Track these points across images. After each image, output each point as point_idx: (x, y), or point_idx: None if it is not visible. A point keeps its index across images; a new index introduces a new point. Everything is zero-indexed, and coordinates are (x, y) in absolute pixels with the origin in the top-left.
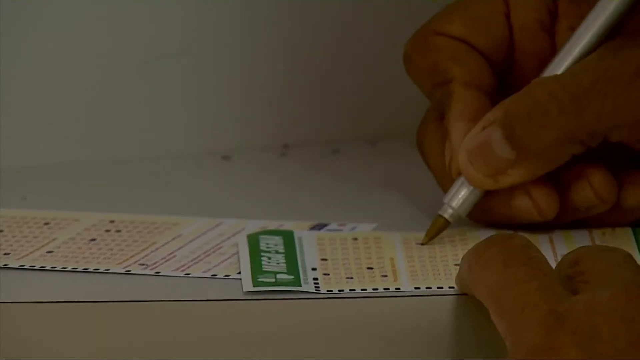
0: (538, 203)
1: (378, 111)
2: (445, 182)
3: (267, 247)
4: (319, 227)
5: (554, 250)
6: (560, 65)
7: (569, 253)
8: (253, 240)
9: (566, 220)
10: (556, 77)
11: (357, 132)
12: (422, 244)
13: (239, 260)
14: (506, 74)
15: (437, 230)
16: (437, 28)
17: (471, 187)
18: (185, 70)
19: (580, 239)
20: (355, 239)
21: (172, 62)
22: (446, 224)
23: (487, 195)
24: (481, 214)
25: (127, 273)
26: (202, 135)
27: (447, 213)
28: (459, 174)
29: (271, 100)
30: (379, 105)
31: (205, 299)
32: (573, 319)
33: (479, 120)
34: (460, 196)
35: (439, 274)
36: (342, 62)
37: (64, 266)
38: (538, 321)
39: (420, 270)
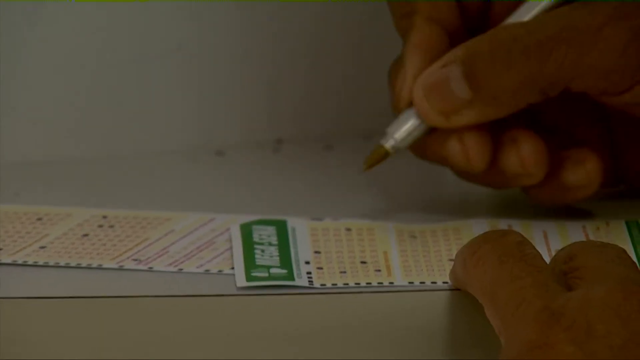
0: (468, 149)
1: (371, 107)
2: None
3: (261, 239)
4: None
5: (547, 245)
6: (527, 13)
7: (563, 248)
8: (246, 231)
9: (498, 183)
10: (522, 22)
11: (350, 127)
12: (363, 171)
13: (232, 255)
14: (479, 23)
15: (376, 159)
16: None
17: (417, 121)
18: (179, 66)
19: (575, 234)
20: (349, 229)
21: (166, 59)
22: (386, 153)
23: (427, 133)
24: (419, 149)
25: (120, 268)
26: (196, 131)
27: (389, 144)
28: (409, 105)
29: (265, 96)
30: (373, 101)
31: (199, 294)
32: (568, 315)
33: (435, 55)
34: (404, 129)
35: (433, 269)
36: (336, 58)
37: (57, 262)
38: (533, 317)
39: (414, 265)
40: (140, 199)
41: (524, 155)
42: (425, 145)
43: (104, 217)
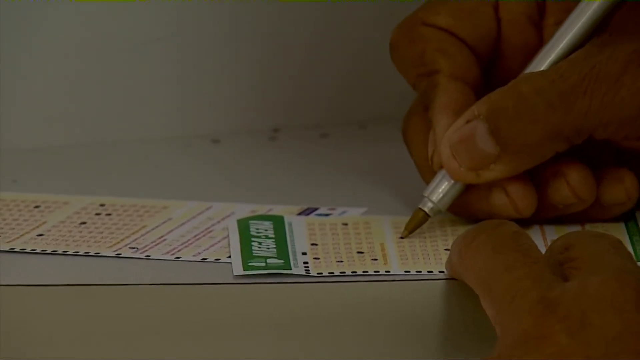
0: (515, 200)
1: (368, 95)
2: (428, 175)
3: (258, 232)
4: (309, 211)
5: (543, 236)
6: (544, 60)
7: (559, 238)
8: (243, 226)
9: (544, 217)
10: (543, 72)
11: (346, 115)
12: (402, 237)
13: (229, 245)
14: (492, 68)
15: (416, 223)
16: (424, 18)
17: (452, 181)
18: (176, 54)
19: (571, 226)
20: (345, 224)
21: (163, 46)
22: (426, 217)
23: (466, 190)
24: (460, 208)
25: (118, 256)
26: (192, 119)
27: (427, 207)
28: (441, 167)
29: (261, 85)
30: (369, 89)
31: (196, 282)
32: (564, 305)
33: (462, 113)
34: (440, 190)
35: (429, 259)
36: (332, 46)
37: (55, 249)
38: (528, 308)
39: (411, 254)
40: (138, 187)
41: (575, 185)
42: (467, 203)
43: (102, 205)
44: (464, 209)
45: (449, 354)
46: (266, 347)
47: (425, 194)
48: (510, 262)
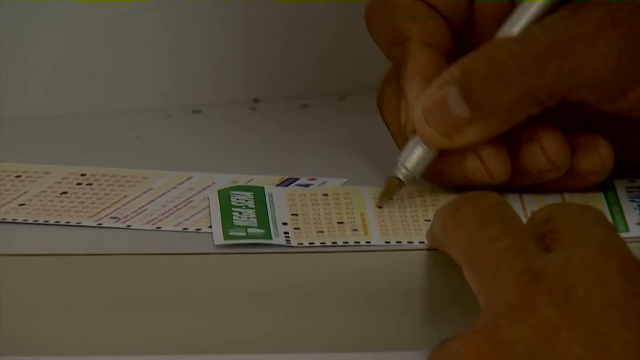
0: (488, 165)
1: (347, 66)
2: (403, 143)
3: (238, 202)
4: (289, 181)
5: (523, 206)
6: (515, 24)
7: (540, 210)
8: (224, 196)
9: (519, 184)
10: (516, 37)
11: (326, 87)
12: (379, 207)
13: (209, 215)
14: (464, 35)
15: (391, 191)
16: None
17: (425, 148)
18: (156, 24)
19: (550, 195)
20: (326, 194)
21: (143, 17)
22: (400, 184)
23: (440, 157)
24: (434, 175)
25: (99, 226)
26: (173, 89)
27: (401, 173)
28: (414, 133)
29: (241, 55)
30: (348, 61)
31: (177, 252)
32: (548, 277)
33: (434, 79)
34: (414, 156)
35: (409, 229)
36: (312, 18)
37: (36, 219)
38: (512, 280)
39: (391, 225)
40: (118, 157)
41: (550, 151)
42: (441, 170)
43: (83, 175)
44: (438, 175)
45: (430, 324)
46: (247, 317)
47: (399, 161)
48: (494, 234)
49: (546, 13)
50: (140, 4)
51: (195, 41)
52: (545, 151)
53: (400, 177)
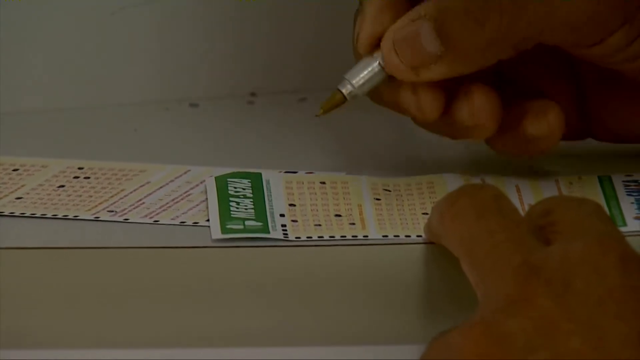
0: (420, 100)
1: (345, 59)
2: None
3: (236, 192)
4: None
5: (521, 199)
6: None
7: (539, 203)
8: (221, 184)
9: (454, 134)
10: None
11: (324, 80)
12: (317, 116)
13: (207, 207)
14: None
15: (333, 104)
16: None
17: (376, 70)
18: (153, 18)
19: (547, 188)
20: (323, 182)
21: (142, 10)
22: (343, 100)
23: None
24: (375, 95)
25: (96, 220)
26: (170, 82)
27: (346, 89)
28: (369, 52)
29: (238, 48)
30: (346, 53)
31: (174, 245)
32: (546, 269)
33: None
34: (362, 75)
35: (407, 223)
36: (309, 10)
37: (33, 212)
38: (511, 272)
39: (388, 218)
40: (116, 150)
41: (476, 108)
42: (380, 92)
43: (80, 168)
44: (377, 96)
45: (428, 318)
46: (244, 310)
47: (346, 77)
48: (492, 226)
49: None
50: None
51: (192, 35)
52: (472, 106)
53: (344, 92)
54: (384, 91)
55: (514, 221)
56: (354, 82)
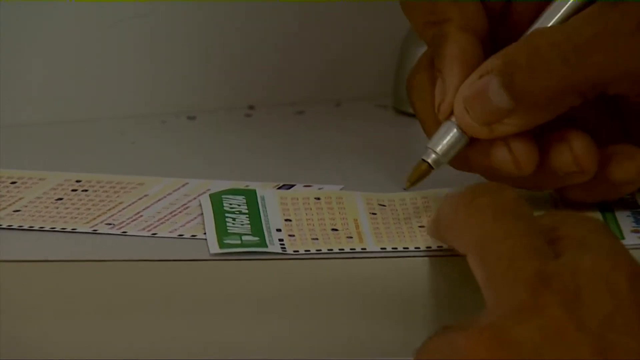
0: (516, 156)
1: (343, 72)
2: (431, 128)
3: (231, 208)
4: (285, 188)
5: None
6: (553, 15)
7: (543, 216)
8: (216, 200)
9: (545, 184)
10: (557, 27)
11: (322, 93)
12: (405, 189)
13: (204, 221)
14: (500, 23)
15: (420, 175)
16: None
17: (457, 134)
18: (151, 31)
19: (545, 203)
20: (318, 198)
21: (139, 22)
22: (429, 169)
23: (469, 144)
24: (461, 162)
25: (94, 232)
26: (168, 95)
27: (431, 158)
28: (447, 119)
29: (236, 61)
30: (344, 66)
31: (172, 259)
32: (559, 279)
33: (472, 65)
34: (445, 142)
35: (404, 235)
36: (308, 23)
37: (31, 225)
38: (524, 279)
39: (385, 231)
40: (114, 163)
41: (578, 153)
42: (467, 157)
43: (78, 181)
44: (465, 163)
45: (427, 331)
46: (243, 323)
47: (429, 146)
48: (508, 229)
49: (583, 5)
50: (136, 10)
51: (190, 47)
52: (574, 153)
53: (430, 161)
54: (471, 155)
55: (531, 227)
56: (437, 150)
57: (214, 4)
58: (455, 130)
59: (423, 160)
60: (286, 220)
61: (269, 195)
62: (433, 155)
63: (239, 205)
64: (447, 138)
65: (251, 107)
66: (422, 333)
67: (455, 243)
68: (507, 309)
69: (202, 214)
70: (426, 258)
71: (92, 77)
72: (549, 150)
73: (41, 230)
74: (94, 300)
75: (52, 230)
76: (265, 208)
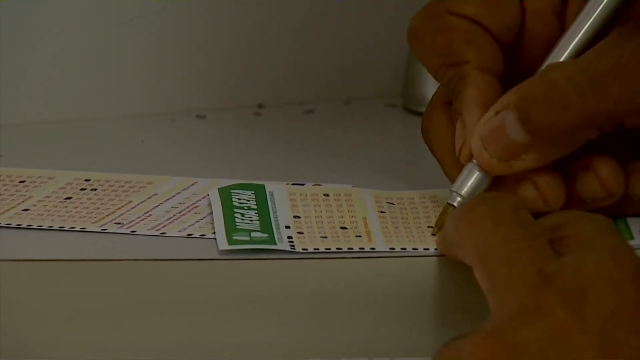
0: (544, 193)
1: (351, 71)
2: (452, 170)
3: (240, 203)
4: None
5: None
6: (564, 49)
7: (547, 217)
8: (225, 195)
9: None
10: (572, 61)
11: (331, 92)
12: (433, 234)
13: (212, 218)
14: (512, 59)
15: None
16: (449, 7)
17: (481, 175)
18: (161, 29)
19: None
20: (327, 194)
21: (148, 22)
22: None
23: (494, 183)
24: None
25: (103, 232)
26: (177, 94)
27: (457, 202)
28: (469, 160)
29: (246, 60)
30: (353, 65)
31: (181, 258)
32: (561, 280)
33: (491, 105)
34: (469, 184)
35: (413, 236)
36: (316, 22)
37: (40, 224)
38: (526, 281)
39: (394, 231)
40: (123, 162)
41: (605, 179)
42: None
43: (87, 180)
44: None
45: (437, 331)
46: (252, 323)
47: (454, 189)
48: (508, 234)
49: (595, 37)
50: (145, 9)
51: (199, 46)
52: (601, 179)
53: (455, 205)
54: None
55: (531, 231)
56: (462, 192)
57: (224, 2)
58: (477, 171)
59: (449, 204)
60: (295, 217)
61: (277, 191)
62: (459, 199)
63: (248, 200)
64: (470, 180)
65: (260, 106)
66: (430, 333)
67: (461, 256)
68: (511, 312)
69: (211, 213)
70: (435, 258)
71: (101, 76)
72: (575, 180)
73: (50, 229)
74: (103, 300)
75: (61, 229)
76: (275, 204)
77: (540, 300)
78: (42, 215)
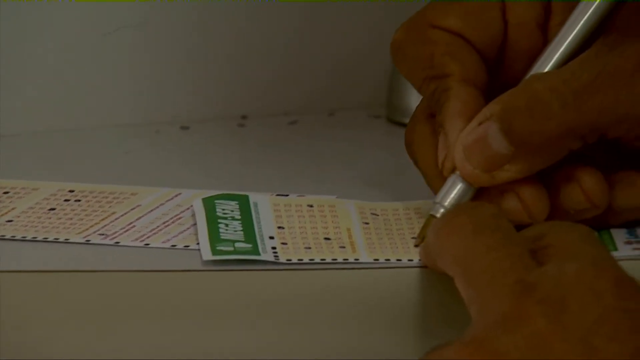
0: (528, 205)
1: (336, 82)
2: (436, 182)
3: (224, 214)
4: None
5: None
6: (548, 60)
7: (530, 228)
8: (209, 206)
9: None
10: (555, 72)
11: (315, 102)
12: (416, 246)
13: (196, 229)
14: (495, 71)
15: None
16: (432, 20)
17: (464, 186)
18: (144, 40)
19: None
20: (311, 205)
21: (131, 33)
22: None
23: (477, 195)
24: None
25: (87, 243)
26: (161, 105)
27: (439, 213)
28: (452, 172)
29: (230, 71)
30: (337, 76)
31: (165, 269)
32: (542, 288)
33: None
34: (452, 195)
35: (397, 247)
36: (300, 34)
37: (24, 235)
38: (507, 289)
39: (378, 242)
40: (107, 173)
41: (589, 190)
42: None
43: (71, 191)
44: None
45: (420, 342)
46: (236, 333)
47: (437, 200)
48: (489, 243)
49: (579, 49)
50: (129, 20)
51: (183, 57)
52: (585, 191)
53: (438, 216)
54: None
55: (512, 239)
56: (445, 204)
57: (208, 14)
58: (460, 182)
59: (432, 215)
60: (279, 227)
61: (262, 202)
62: (442, 210)
63: (232, 211)
64: (454, 191)
65: (244, 117)
66: (413, 344)
67: (443, 266)
68: (491, 321)
69: (194, 224)
70: (418, 270)
71: (85, 87)
72: (559, 191)
73: (34, 240)
74: (87, 311)
75: (45, 240)
76: (259, 215)
77: (521, 309)
78: (25, 226)
